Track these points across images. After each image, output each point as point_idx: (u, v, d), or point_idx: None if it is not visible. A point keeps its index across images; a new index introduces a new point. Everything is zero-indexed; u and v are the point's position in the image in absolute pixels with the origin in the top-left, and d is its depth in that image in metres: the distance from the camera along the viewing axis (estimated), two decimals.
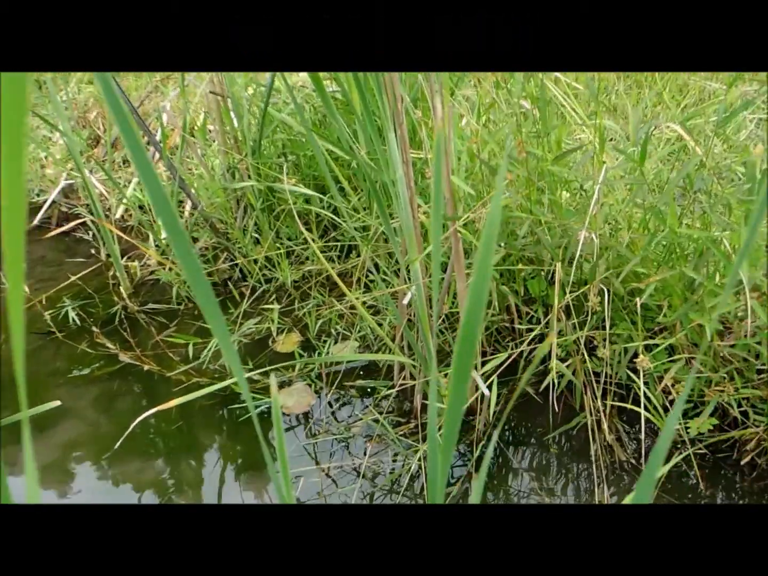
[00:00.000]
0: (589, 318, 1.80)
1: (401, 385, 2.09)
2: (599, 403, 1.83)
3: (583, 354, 1.81)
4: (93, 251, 3.02)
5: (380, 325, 2.26)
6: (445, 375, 1.97)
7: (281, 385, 2.20)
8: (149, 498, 1.83)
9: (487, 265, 0.50)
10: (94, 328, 2.53)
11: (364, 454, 1.93)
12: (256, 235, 2.74)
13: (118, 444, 1.89)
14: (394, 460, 1.91)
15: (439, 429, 0.61)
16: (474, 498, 0.67)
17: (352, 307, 2.43)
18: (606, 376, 1.87)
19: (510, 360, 1.87)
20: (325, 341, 2.37)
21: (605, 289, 1.72)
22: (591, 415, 1.84)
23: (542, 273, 2.01)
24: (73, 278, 2.81)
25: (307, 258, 2.70)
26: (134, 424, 1.49)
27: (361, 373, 2.25)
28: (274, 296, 2.66)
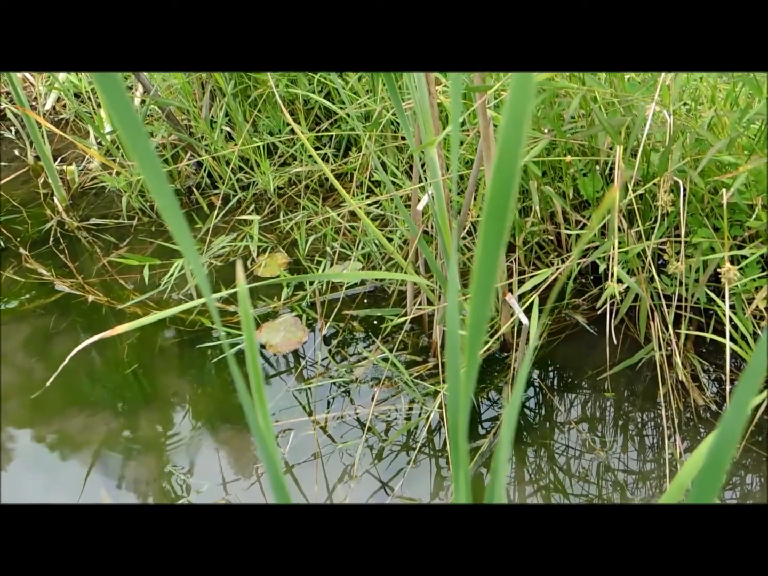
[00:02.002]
0: (658, 224, 1.77)
1: (416, 313, 2.09)
2: (670, 332, 1.82)
3: (650, 271, 1.80)
4: (17, 152, 3.01)
5: (389, 240, 2.25)
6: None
7: (264, 318, 2.21)
8: (100, 464, 1.86)
9: (526, 95, 0.48)
10: (21, 250, 2.54)
11: (372, 399, 1.95)
12: (228, 129, 2.71)
13: (49, 382, 1.91)
14: (409, 409, 1.93)
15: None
16: (503, 438, 0.66)
17: (353, 218, 2.41)
18: (680, 299, 1.86)
19: (554, 278, 1.86)
20: (318, 262, 2.38)
21: (680, 185, 1.69)
22: (660, 348, 1.84)
23: (597, 167, 1.97)
24: None
25: (294, 157, 2.68)
26: (71, 355, 1.49)
27: (366, 301, 2.26)
28: (252, 206, 2.65)
